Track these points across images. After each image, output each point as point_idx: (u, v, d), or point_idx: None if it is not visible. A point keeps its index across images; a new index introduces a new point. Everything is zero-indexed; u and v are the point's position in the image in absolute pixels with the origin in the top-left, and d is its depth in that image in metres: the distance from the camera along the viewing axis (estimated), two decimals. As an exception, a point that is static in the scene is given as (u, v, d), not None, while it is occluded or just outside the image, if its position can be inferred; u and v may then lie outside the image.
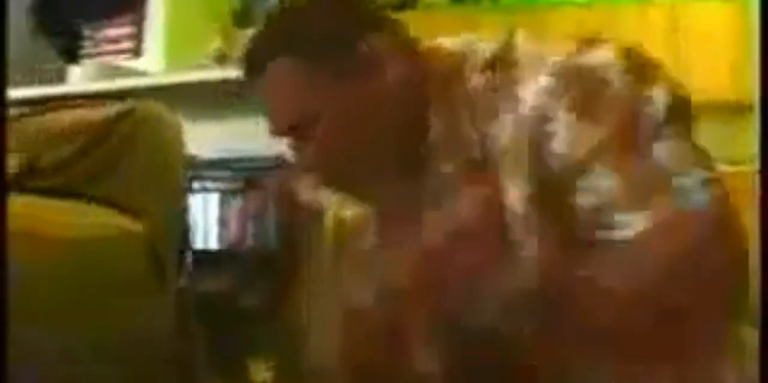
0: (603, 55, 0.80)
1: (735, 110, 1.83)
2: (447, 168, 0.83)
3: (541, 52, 0.82)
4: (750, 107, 1.86)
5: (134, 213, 0.93)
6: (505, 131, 0.80)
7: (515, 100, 0.79)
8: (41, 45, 2.23)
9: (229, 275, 1.76)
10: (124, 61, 2.12)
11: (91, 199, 0.92)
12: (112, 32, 2.20)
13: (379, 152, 0.83)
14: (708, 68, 2.13)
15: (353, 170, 0.84)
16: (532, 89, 0.78)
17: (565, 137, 0.77)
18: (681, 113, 0.80)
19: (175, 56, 2.18)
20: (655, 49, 0.84)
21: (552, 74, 0.79)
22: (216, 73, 1.92)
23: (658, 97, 0.78)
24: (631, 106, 0.78)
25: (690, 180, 0.75)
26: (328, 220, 1.98)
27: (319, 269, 2.00)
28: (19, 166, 0.91)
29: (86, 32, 2.23)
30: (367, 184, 0.86)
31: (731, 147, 1.70)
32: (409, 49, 0.85)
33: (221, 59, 2.01)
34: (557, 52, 0.81)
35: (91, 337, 0.81)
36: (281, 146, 1.97)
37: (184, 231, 1.09)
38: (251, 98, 1.91)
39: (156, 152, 1.01)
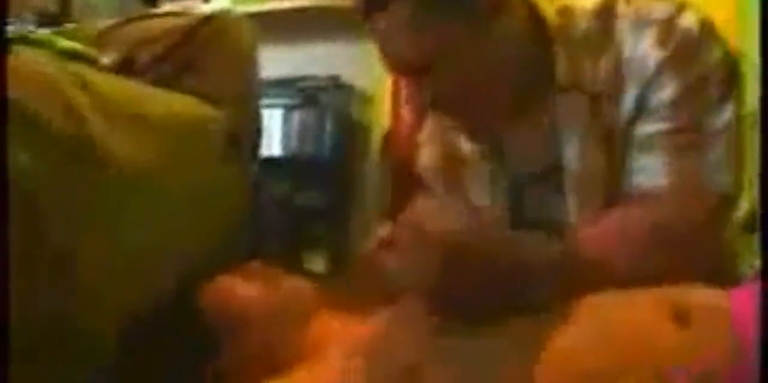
0: (691, 19, 0.81)
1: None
2: (567, 101, 0.84)
3: (641, 10, 0.83)
4: None
5: (215, 102, 1.01)
6: (606, 71, 0.83)
7: (617, 46, 0.82)
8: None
9: (289, 179, 1.90)
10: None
11: (178, 90, 1.00)
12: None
13: (499, 89, 0.83)
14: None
15: (472, 107, 0.85)
16: (634, 40, 0.82)
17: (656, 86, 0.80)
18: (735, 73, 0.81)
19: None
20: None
21: (655, 30, 0.81)
22: (285, 4, 2.07)
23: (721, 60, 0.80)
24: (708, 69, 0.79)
25: None
26: (377, 134, 2.11)
27: (367, 177, 2.13)
28: (115, 62, 0.99)
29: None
30: (485, 120, 0.88)
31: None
32: None
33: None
34: (657, 12, 0.83)
35: (182, 189, 0.92)
36: (337, 68, 2.09)
37: (257, 121, 1.18)
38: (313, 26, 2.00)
39: (234, 51, 1.10)
